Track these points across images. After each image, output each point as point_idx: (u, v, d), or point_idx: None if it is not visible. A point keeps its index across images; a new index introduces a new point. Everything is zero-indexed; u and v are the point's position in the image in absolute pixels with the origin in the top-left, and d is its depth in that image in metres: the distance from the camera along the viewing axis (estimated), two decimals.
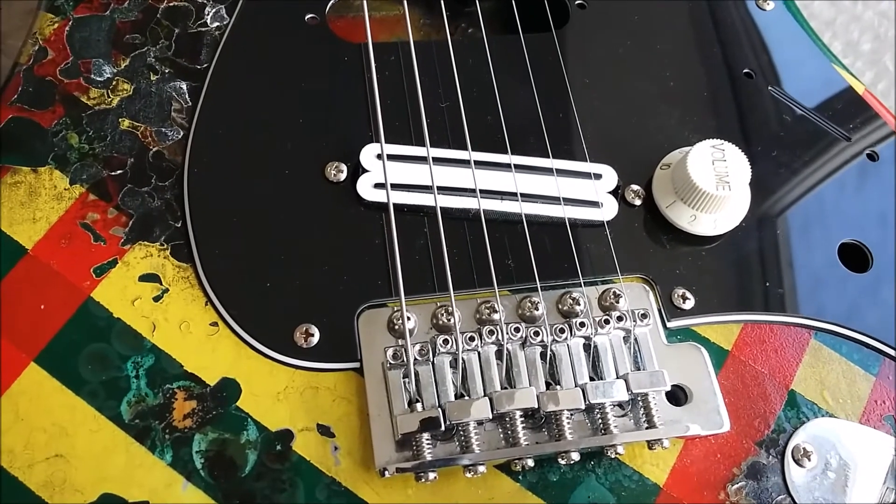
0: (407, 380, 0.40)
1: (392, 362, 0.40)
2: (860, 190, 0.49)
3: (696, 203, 0.44)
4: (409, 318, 0.41)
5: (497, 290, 0.42)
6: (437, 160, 0.45)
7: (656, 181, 0.47)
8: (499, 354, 0.41)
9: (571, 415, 0.40)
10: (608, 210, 0.46)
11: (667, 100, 0.51)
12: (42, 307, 0.40)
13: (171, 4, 0.49)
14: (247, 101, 0.47)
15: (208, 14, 0.49)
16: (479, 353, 0.41)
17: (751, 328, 0.44)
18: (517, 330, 0.41)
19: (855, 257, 0.47)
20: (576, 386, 0.40)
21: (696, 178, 0.44)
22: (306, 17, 0.50)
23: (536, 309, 0.42)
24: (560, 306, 0.43)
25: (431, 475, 0.38)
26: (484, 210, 0.44)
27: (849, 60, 0.76)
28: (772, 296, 0.45)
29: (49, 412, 0.38)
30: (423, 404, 0.39)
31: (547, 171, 0.46)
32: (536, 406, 0.39)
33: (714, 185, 0.44)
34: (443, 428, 0.38)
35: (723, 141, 0.45)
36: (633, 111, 0.50)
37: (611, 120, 0.49)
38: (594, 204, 0.46)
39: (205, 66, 0.48)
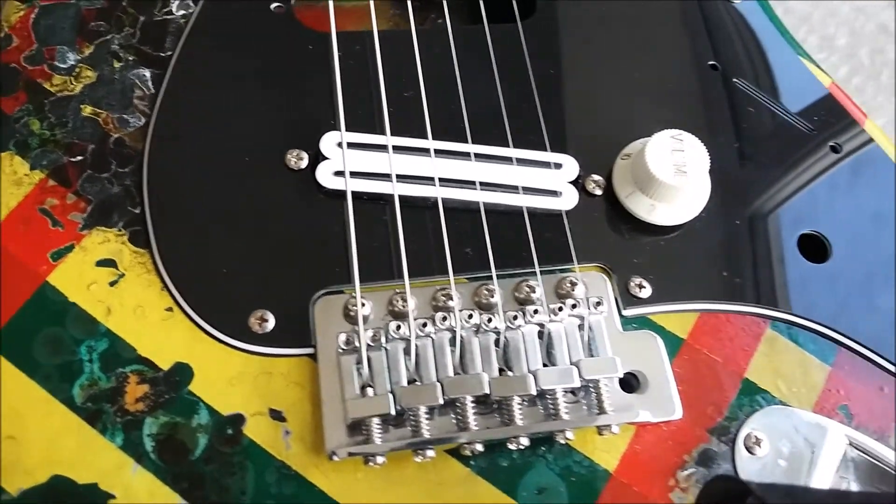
0: (360, 365, 0.40)
1: (344, 348, 0.40)
2: (821, 181, 0.50)
3: (654, 193, 0.45)
4: (364, 305, 0.41)
5: (453, 278, 0.43)
6: (398, 148, 0.46)
7: (617, 171, 0.47)
8: (453, 341, 0.41)
9: (523, 401, 0.40)
10: (568, 199, 0.46)
11: (631, 91, 0.51)
12: None
13: None
14: (210, 88, 0.47)
15: (174, 2, 0.49)
16: (432, 340, 0.41)
17: (707, 317, 0.45)
18: (471, 316, 0.41)
19: (814, 248, 0.48)
20: (528, 372, 0.41)
21: (654, 168, 0.44)
22: (272, 6, 0.50)
23: (492, 296, 0.42)
24: (517, 294, 0.43)
25: (380, 459, 0.38)
26: (443, 198, 0.45)
27: (824, 55, 0.76)
28: (729, 285, 0.45)
29: (3, 395, 0.39)
30: (374, 390, 0.39)
31: (507, 160, 0.46)
32: (487, 391, 0.39)
33: (671, 174, 0.44)
34: (392, 412, 0.38)
35: (682, 131, 0.45)
36: (597, 102, 0.50)
37: (574, 111, 0.49)
38: (554, 193, 0.46)
39: (169, 53, 0.48)
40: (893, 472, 0.42)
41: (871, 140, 0.52)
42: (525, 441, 0.39)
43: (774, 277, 0.46)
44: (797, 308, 0.45)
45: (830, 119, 0.52)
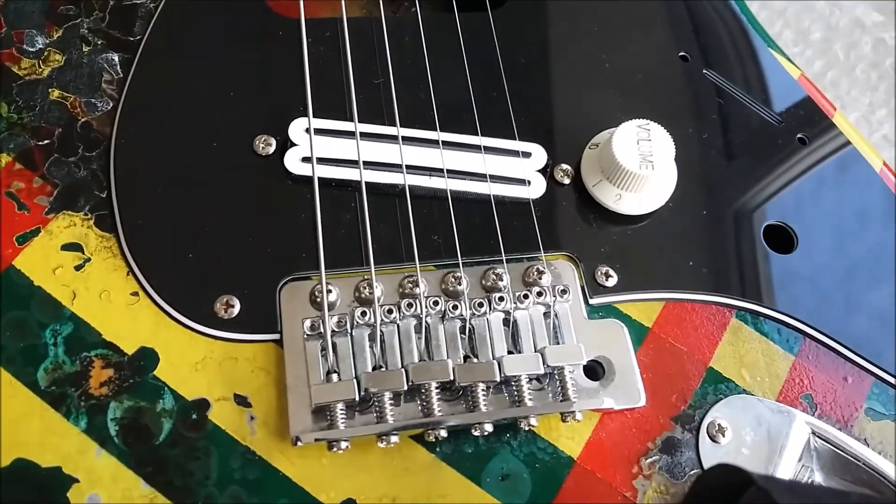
0: (325, 351, 0.40)
1: (309, 333, 0.40)
2: (789, 173, 0.50)
3: (621, 182, 0.45)
4: (331, 291, 0.42)
5: (419, 265, 0.43)
6: (366, 135, 0.46)
7: (585, 161, 0.47)
8: (419, 328, 0.41)
9: (488, 387, 0.40)
10: (536, 188, 0.46)
11: (601, 81, 0.51)
12: None
13: None
14: (178, 73, 0.47)
15: None
16: (398, 326, 0.41)
17: (672, 306, 0.45)
18: (436, 303, 0.41)
19: (780, 239, 0.48)
20: (493, 359, 0.41)
21: (620, 157, 0.44)
22: None
23: (459, 284, 0.43)
24: (484, 282, 0.43)
25: (344, 445, 0.38)
26: (410, 186, 0.45)
27: (799, 49, 0.77)
28: (695, 274, 0.46)
29: None
30: (339, 376, 0.40)
31: (475, 148, 0.47)
32: (451, 378, 0.39)
33: (637, 164, 0.44)
34: (356, 398, 0.39)
35: (649, 121, 0.45)
36: (567, 92, 0.50)
37: (545, 100, 0.50)
38: (522, 182, 0.46)
39: (138, 38, 0.48)
40: (854, 460, 0.43)
41: (839, 133, 0.52)
42: (489, 427, 0.39)
43: (741, 267, 0.47)
44: (762, 297, 0.46)
45: (799, 111, 0.53)
